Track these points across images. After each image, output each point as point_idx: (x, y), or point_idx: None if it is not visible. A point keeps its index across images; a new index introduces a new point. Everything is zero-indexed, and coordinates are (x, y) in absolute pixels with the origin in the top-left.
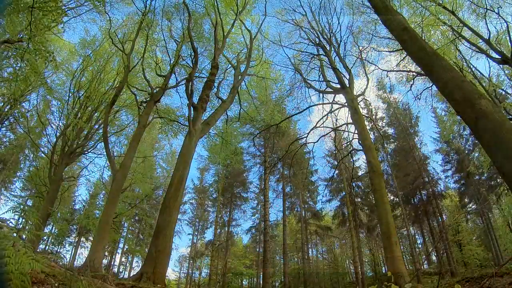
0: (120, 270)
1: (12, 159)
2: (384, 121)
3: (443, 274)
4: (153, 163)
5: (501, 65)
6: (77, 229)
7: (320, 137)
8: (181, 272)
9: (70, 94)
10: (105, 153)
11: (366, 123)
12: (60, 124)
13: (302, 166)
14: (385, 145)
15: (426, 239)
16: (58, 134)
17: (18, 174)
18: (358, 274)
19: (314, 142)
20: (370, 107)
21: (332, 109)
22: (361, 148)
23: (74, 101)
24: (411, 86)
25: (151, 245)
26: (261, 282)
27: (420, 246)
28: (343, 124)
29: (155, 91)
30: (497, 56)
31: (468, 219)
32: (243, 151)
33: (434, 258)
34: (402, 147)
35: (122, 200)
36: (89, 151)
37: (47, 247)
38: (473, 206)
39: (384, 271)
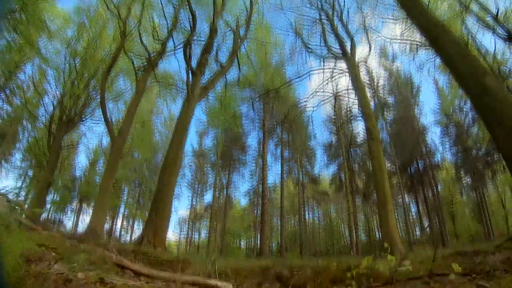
0: (122, 234)
1: (10, 132)
2: (385, 89)
3: (437, 245)
4: (152, 128)
5: (507, 43)
6: (78, 195)
7: (320, 102)
8: (181, 234)
9: (66, 63)
10: (103, 120)
11: (367, 90)
12: (57, 93)
13: (301, 131)
14: (385, 113)
15: (420, 208)
16: (55, 103)
17: (17, 145)
18: (353, 238)
19: (313, 107)
20: (371, 74)
21: (333, 75)
22: (361, 115)
23: (70, 69)
24: (414, 56)
25: (151, 209)
26: (258, 243)
27: (414, 215)
28: (344, 90)
29: (152, 56)
30: (503, 33)
31: (462, 192)
32: (242, 115)
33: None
34: (401, 116)
35: (122, 166)
36: (87, 118)
37: (50, 215)
38: (468, 180)
39: (378, 237)
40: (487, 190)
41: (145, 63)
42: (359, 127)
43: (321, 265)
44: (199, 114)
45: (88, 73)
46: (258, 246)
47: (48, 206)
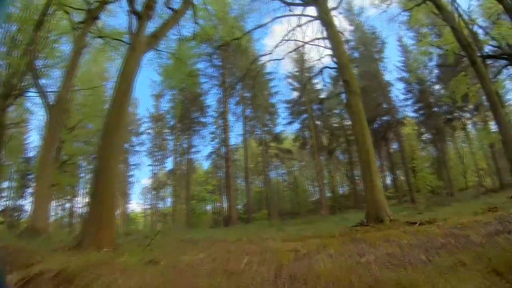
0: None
1: None
2: (350, 44)
3: (400, 199)
4: (103, 95)
5: None
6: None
7: (286, 54)
8: (145, 203)
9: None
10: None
11: None
12: None
13: (263, 87)
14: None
15: (384, 164)
16: None
17: None
18: (322, 197)
19: (277, 60)
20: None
21: (300, 24)
22: (334, 66)
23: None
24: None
25: (90, 197)
26: (225, 206)
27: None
28: (314, 40)
29: (92, 6)
30: None
31: (423, 148)
32: (200, 72)
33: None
34: (366, 72)
35: (72, 139)
36: (28, 90)
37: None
38: (429, 136)
39: (341, 194)
40: (447, 146)
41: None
42: (322, 83)
43: None
44: (153, 74)
45: (25, 38)
46: (226, 209)
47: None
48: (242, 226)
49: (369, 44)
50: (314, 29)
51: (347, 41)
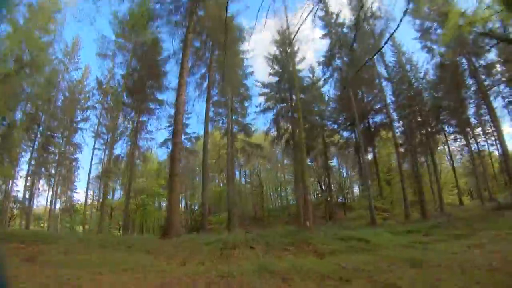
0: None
1: None
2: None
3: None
4: None
5: None
6: None
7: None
8: (94, 195)
9: None
10: None
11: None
12: None
13: (236, 63)
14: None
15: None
16: None
17: None
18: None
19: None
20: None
21: None
22: None
23: None
24: None
25: None
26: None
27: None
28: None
29: None
30: None
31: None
32: (159, 37)
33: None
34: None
35: None
36: None
37: None
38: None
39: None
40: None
41: None
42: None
43: None
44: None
45: None
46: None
47: None
48: (180, 240)
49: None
50: None
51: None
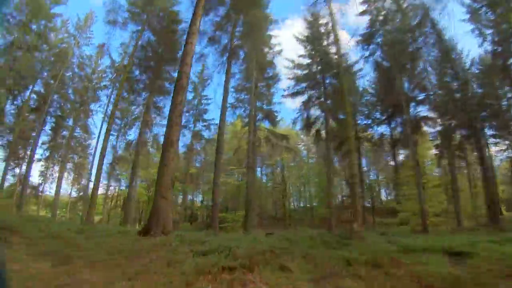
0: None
1: None
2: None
3: None
4: None
5: None
6: None
7: None
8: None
9: None
10: None
11: None
12: None
13: (262, 40)
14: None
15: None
16: None
17: None
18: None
19: None
20: None
21: None
22: None
23: None
24: None
25: None
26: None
27: None
28: None
29: None
30: None
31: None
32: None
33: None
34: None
35: None
36: None
37: None
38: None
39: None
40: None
41: None
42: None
43: None
44: None
45: None
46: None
47: None
48: (162, 242)
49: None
50: None
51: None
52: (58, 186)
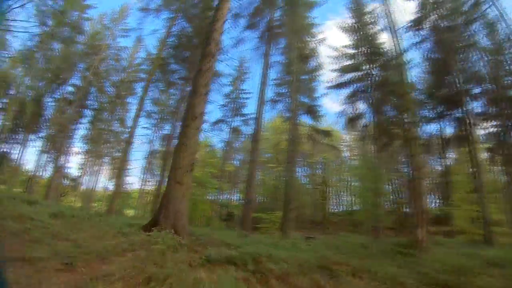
0: None
1: None
2: None
3: None
4: None
5: None
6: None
7: None
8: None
9: None
10: None
11: None
12: None
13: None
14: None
15: None
16: None
17: None
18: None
19: None
20: None
21: None
22: None
23: None
24: None
25: None
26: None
27: None
28: None
29: None
30: None
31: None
32: None
33: None
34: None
35: None
36: None
37: None
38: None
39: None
40: None
41: None
42: None
43: None
44: None
45: None
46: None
47: None
48: (157, 240)
49: None
50: None
51: None
52: (95, 179)
